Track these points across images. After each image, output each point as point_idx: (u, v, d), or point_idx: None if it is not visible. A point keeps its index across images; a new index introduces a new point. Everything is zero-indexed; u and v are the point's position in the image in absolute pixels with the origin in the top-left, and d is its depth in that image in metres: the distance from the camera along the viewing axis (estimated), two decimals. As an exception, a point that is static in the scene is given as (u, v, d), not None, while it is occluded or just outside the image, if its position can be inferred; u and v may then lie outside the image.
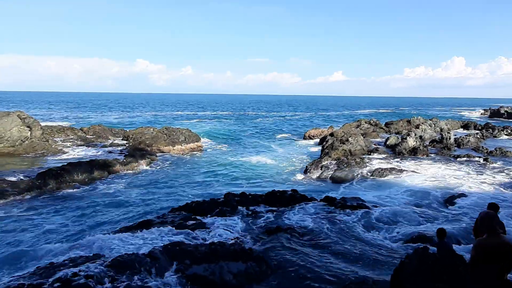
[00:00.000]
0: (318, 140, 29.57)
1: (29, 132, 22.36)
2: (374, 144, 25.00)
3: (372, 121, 34.71)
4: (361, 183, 15.43)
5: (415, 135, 23.06)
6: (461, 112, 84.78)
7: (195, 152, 24.26)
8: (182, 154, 23.97)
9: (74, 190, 14.55)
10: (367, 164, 18.23)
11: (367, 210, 10.83)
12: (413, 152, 20.73)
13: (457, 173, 16.70)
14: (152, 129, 28.01)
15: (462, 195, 13.07)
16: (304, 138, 32.10)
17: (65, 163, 17.62)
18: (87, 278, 6.05)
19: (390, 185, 14.83)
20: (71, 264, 6.61)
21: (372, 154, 20.93)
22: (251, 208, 11.23)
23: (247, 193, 12.39)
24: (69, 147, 24.48)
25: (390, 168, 17.04)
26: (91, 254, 7.06)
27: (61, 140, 26.50)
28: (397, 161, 19.19)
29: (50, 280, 5.95)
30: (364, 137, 25.40)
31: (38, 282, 5.92)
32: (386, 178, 15.76)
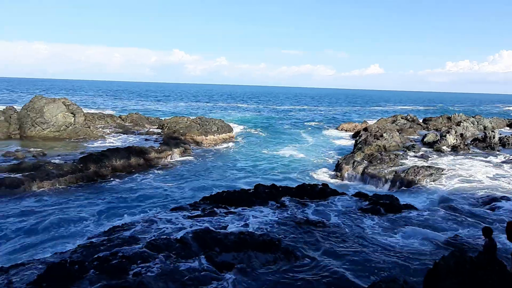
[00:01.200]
0: (351, 134, 28.96)
1: (73, 118, 23.62)
2: (411, 141, 24.11)
3: (409, 117, 33.40)
4: (394, 180, 14.97)
5: (455, 132, 21.96)
6: (508, 109, 79.47)
7: (227, 143, 24.56)
8: (214, 144, 24.36)
9: (112, 175, 15.26)
10: (402, 161, 17.63)
11: (398, 209, 10.53)
12: (453, 151, 19.79)
13: (501, 174, 15.76)
14: (186, 119, 28.65)
15: (506, 198, 12.34)
16: (337, 132, 31.57)
17: (105, 149, 18.51)
18: (122, 259, 6.38)
19: (425, 184, 14.28)
20: (109, 244, 6.99)
21: (407, 151, 20.21)
22: (281, 200, 11.27)
23: (277, 185, 12.43)
24: (108, 133, 25.62)
25: (427, 166, 16.40)
26: (127, 237, 7.42)
27: (101, 127, 27.78)
28: (435, 159, 18.40)
29: (90, 258, 6.34)
30: (400, 133, 24.56)
31: (79, 260, 6.33)
32: (421, 176, 15.16)
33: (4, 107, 26.19)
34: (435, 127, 30.98)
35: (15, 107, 26.35)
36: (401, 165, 16.90)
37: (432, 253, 7.49)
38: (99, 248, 6.86)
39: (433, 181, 14.71)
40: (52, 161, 15.71)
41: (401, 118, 32.69)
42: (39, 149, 18.14)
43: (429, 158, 18.51)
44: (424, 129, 30.76)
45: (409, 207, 10.94)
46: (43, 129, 22.49)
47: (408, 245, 8.02)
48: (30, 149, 18.27)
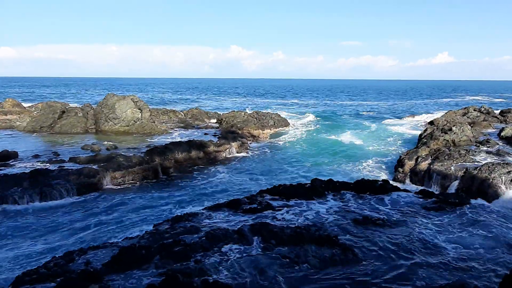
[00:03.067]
0: (415, 128, 27.25)
1: (140, 114, 25.38)
2: (484, 135, 21.98)
3: (483, 109, 30.40)
4: (464, 178, 13.79)
5: (539, 126, 19.55)
6: None
7: (283, 136, 24.57)
8: (271, 137, 24.52)
9: (174, 168, 16.14)
10: (474, 157, 16.17)
11: (470, 208, 9.70)
12: (536, 146, 17.64)
13: None
14: (243, 113, 29.22)
15: None
16: (400, 126, 29.89)
17: (168, 142, 19.63)
18: (185, 246, 6.77)
19: (501, 184, 12.93)
20: (172, 232, 7.46)
21: (481, 146, 18.44)
22: (338, 195, 11.02)
23: (335, 180, 12.17)
24: (171, 128, 27.11)
25: (504, 163, 14.85)
26: (189, 226, 7.83)
27: (164, 122, 29.48)
28: (513, 156, 16.58)
29: (156, 244, 6.82)
30: (472, 127, 22.52)
31: (146, 245, 6.85)
32: (497, 174, 13.75)
33: (83, 104, 29.01)
34: (514, 120, 27.84)
35: (91, 104, 29.03)
36: (472, 162, 15.51)
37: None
38: (163, 235, 7.34)
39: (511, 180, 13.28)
40: (122, 153, 17.08)
41: (474, 110, 29.91)
42: (111, 143, 19.81)
43: (508, 155, 16.73)
44: (501, 122, 27.82)
45: (482, 207, 10.03)
46: (114, 124, 24.50)
47: (485, 247, 7.39)
48: (104, 142, 20.04)
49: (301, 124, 30.60)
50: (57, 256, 6.69)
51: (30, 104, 41.16)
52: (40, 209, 10.90)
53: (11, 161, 15.31)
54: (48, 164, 14.98)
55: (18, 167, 14.47)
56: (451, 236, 8.09)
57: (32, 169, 13.70)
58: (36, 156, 16.47)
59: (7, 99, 38.67)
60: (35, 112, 28.90)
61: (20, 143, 19.81)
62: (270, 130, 26.19)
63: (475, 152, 16.90)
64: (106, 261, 6.20)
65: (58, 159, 16.15)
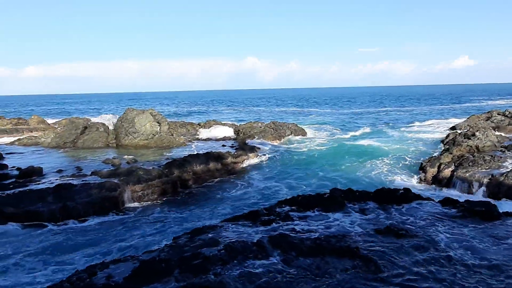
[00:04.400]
0: (437, 133, 26.59)
1: (159, 127, 25.83)
2: (510, 140, 21.23)
3: (507, 112, 29.37)
4: (490, 185, 13.29)
5: None
6: None
7: (301, 145, 24.44)
8: (289, 146, 24.43)
9: (194, 180, 16.28)
10: (500, 163, 15.60)
11: (497, 217, 9.30)
12: None
13: None
14: (260, 124, 29.32)
15: None
16: (421, 132, 29.24)
17: (186, 155, 19.85)
18: (204, 259, 6.76)
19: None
20: (191, 245, 7.47)
21: (507, 151, 17.79)
22: (358, 205, 10.81)
23: (354, 190, 11.95)
24: (189, 140, 27.45)
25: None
26: (208, 238, 7.83)
27: (182, 135, 29.89)
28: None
29: (175, 258, 6.84)
30: (496, 131, 21.80)
31: (166, 258, 6.88)
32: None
33: (108, 118, 29.81)
34: (542, 123, 26.78)
35: (112, 119, 29.79)
36: (498, 168, 14.97)
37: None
38: (182, 248, 7.36)
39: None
40: (142, 166, 17.37)
41: (498, 114, 28.98)
42: (131, 156, 20.21)
43: (535, 159, 16.06)
44: (527, 126, 26.80)
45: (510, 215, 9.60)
46: (134, 138, 25.02)
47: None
48: (124, 156, 20.46)
49: (318, 133, 30.40)
50: (79, 270, 6.81)
51: (54, 121, 42.67)
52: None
53: (36, 177, 15.83)
54: (71, 179, 15.40)
55: (42, 183, 14.94)
56: (477, 246, 7.76)
57: (56, 183, 14.11)
58: (59, 171, 16.97)
59: (32, 116, 40.24)
60: (59, 128, 29.91)
61: (44, 159, 20.48)
62: (288, 138, 26.14)
63: (501, 157, 16.32)
64: (127, 275, 6.26)
65: (81, 173, 16.58)
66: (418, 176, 16.07)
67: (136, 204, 13.38)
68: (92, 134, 25.42)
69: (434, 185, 15.27)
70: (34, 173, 16.05)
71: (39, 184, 14.68)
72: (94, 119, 33.53)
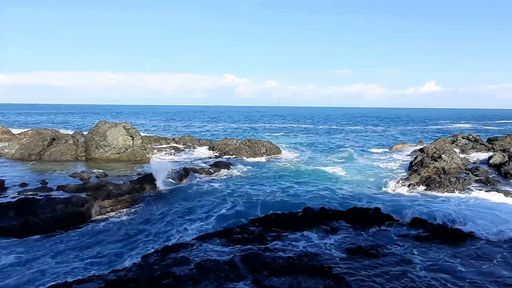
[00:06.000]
0: (404, 156, 27.55)
1: (132, 141, 25.27)
2: (474, 163, 22.31)
3: (471, 136, 31.01)
4: (459, 206, 13.82)
5: (526, 153, 19.94)
6: None
7: (276, 164, 24.60)
8: (263, 165, 24.50)
9: (164, 192, 15.93)
10: (465, 184, 16.30)
11: (462, 238, 9.67)
12: (524, 174, 17.89)
13: None
14: (235, 140, 29.31)
15: None
16: (390, 152, 30.21)
17: (159, 170, 19.44)
18: (174, 279, 6.57)
19: (498, 214, 12.85)
20: (161, 264, 7.25)
21: (470, 174, 18.67)
22: (331, 224, 10.94)
23: (327, 208, 12.11)
24: (163, 155, 26.97)
25: (494, 190, 15.00)
26: (178, 257, 7.64)
27: (157, 149, 29.36)
28: (503, 185, 16.76)
29: (144, 277, 6.60)
30: (460, 154, 22.88)
31: (134, 278, 6.61)
32: (491, 203, 13.69)
33: (73, 132, 28.85)
34: (502, 148, 28.41)
35: (82, 131, 28.91)
36: (462, 190, 15.63)
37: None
38: (152, 267, 7.13)
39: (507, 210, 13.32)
40: (112, 181, 16.83)
41: (462, 137, 30.49)
42: (101, 170, 19.55)
43: (497, 183, 16.91)
44: (489, 150, 28.33)
45: (472, 236, 10.01)
46: (105, 151, 24.30)
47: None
48: (94, 170, 19.77)
49: (293, 152, 30.74)
50: (40, 290, 6.42)
51: (20, 131, 40.81)
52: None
53: (-3, 189, 14.94)
54: (35, 193, 14.65)
55: (3, 196, 14.12)
56: (439, 265, 8.00)
57: (18, 198, 13.38)
58: (23, 185, 16.13)
59: (-4, 126, 38.34)
60: (24, 140, 28.60)
61: (7, 171, 19.44)
62: (263, 157, 26.22)
63: (465, 179, 17.07)
64: (91, 296, 5.97)
65: (46, 187, 15.83)
66: (387, 192, 16.48)
67: (104, 219, 12.86)
68: (61, 146, 24.48)
69: (402, 202, 15.70)
70: (-6, 186, 15.16)
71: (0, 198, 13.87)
72: (62, 131, 32.40)
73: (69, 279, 6.98)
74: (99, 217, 13.01)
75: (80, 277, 6.83)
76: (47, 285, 6.59)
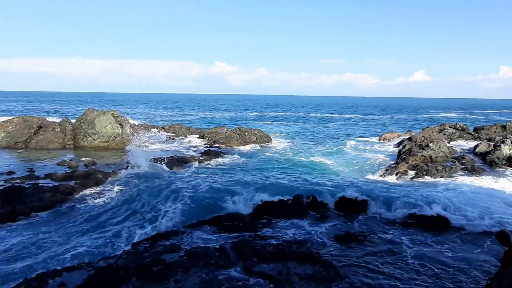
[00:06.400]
0: (393, 144, 27.90)
1: (120, 129, 24.97)
2: (460, 151, 22.72)
3: (458, 126, 31.51)
4: (444, 193, 14.08)
5: (511, 142, 20.37)
6: None
7: (266, 152, 24.66)
8: (253, 153, 24.54)
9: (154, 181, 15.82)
10: (451, 172, 16.63)
11: (448, 227, 9.91)
12: (510, 163, 18.31)
13: None
14: (225, 129, 29.22)
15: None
16: (379, 141, 30.54)
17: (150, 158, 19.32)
18: (164, 266, 6.59)
19: (482, 200, 13.10)
20: (151, 251, 7.26)
21: (457, 162, 19.02)
22: (320, 212, 11.07)
23: (317, 197, 12.23)
24: (153, 143, 26.75)
25: (478, 178, 15.34)
26: (169, 244, 7.66)
27: (146, 137, 29.09)
28: (489, 173, 17.10)
29: (134, 264, 6.61)
30: (448, 143, 23.26)
31: (124, 265, 6.62)
32: (475, 190, 13.98)
33: (61, 119, 28.33)
34: (488, 137, 28.98)
35: (70, 119, 28.41)
36: (449, 177, 15.94)
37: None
38: (142, 254, 7.14)
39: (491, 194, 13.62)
40: (101, 169, 16.66)
41: (449, 127, 30.94)
42: (90, 159, 19.33)
43: (482, 171, 17.26)
44: (475, 139, 28.87)
45: (455, 223, 10.26)
46: (94, 139, 23.99)
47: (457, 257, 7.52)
48: (82, 159, 19.53)
49: (282, 140, 30.83)
50: (28, 278, 6.38)
51: (5, 119, 39.90)
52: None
53: (-18, 178, 14.68)
54: (22, 181, 14.42)
55: (-10, 184, 13.88)
56: (428, 253, 8.20)
57: (5, 186, 13.17)
58: (10, 173, 15.87)
59: (-19, 114, 37.42)
60: (10, 127, 28.02)
61: (-7, 159, 19.07)
62: (253, 145, 26.24)
63: (452, 167, 17.40)
64: (81, 283, 5.96)
65: (34, 175, 15.61)
66: (375, 180, 16.72)
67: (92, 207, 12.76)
68: (47, 134, 24.06)
69: (389, 191, 15.97)
70: (-20, 174, 14.89)
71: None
72: (50, 119, 31.80)
73: (59, 268, 6.95)
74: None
75: (69, 265, 6.81)
76: (36, 273, 6.55)
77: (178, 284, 6.02)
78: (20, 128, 24.35)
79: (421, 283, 6.57)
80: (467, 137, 29.14)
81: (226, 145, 25.93)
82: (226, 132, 28.23)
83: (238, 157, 22.04)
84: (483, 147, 21.52)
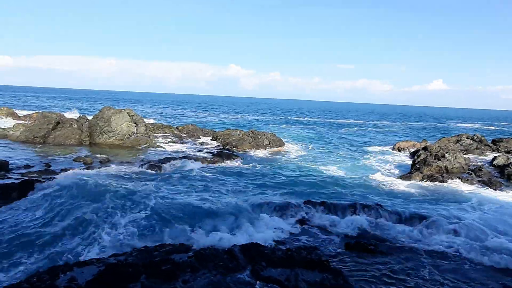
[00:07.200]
0: (408, 153, 27.48)
1: (135, 128, 25.33)
2: (477, 163, 22.21)
3: (475, 137, 30.81)
4: (456, 206, 13.80)
5: (531, 156, 19.81)
6: None
7: (278, 157, 24.62)
8: (265, 157, 24.54)
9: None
10: (464, 186, 16.27)
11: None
12: (527, 176, 17.79)
13: None
14: (239, 131, 29.30)
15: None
16: (393, 150, 30.12)
17: (162, 158, 19.54)
18: (173, 265, 6.64)
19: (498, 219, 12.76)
20: (161, 250, 7.33)
21: (473, 174, 18.60)
22: (331, 217, 10.97)
23: (328, 202, 12.14)
24: (166, 143, 27.05)
25: (497, 193, 14.96)
26: (178, 244, 7.71)
27: (160, 136, 29.44)
28: (507, 187, 16.67)
29: (143, 263, 6.68)
30: (464, 154, 22.77)
31: (134, 263, 6.70)
32: (492, 207, 13.60)
33: (78, 116, 28.93)
34: (506, 149, 28.26)
35: (87, 116, 28.99)
36: (463, 191, 15.59)
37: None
38: (152, 253, 7.21)
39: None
40: (115, 166, 16.92)
41: (466, 138, 30.30)
42: (104, 156, 19.65)
43: (500, 184, 16.82)
44: (493, 151, 28.19)
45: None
46: (109, 137, 24.39)
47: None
48: (97, 155, 19.88)
49: (295, 145, 30.72)
50: (40, 270, 6.51)
51: (25, 113, 41.01)
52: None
53: (1, 171, 15.08)
54: (39, 175, 14.75)
55: (7, 178, 14.25)
56: (445, 265, 8.03)
57: (22, 179, 13.50)
58: (27, 167, 16.26)
59: (1, 108, 38.55)
60: (29, 122, 28.75)
61: (11, 153, 19.58)
62: (265, 149, 26.21)
63: (467, 179, 17.03)
64: (91, 278, 6.05)
65: (50, 170, 15.95)
66: (388, 190, 16.46)
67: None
68: (65, 130, 24.57)
69: (402, 201, 15.72)
70: (-1, 167, 15.30)
71: (3, 179, 14.00)
72: (67, 115, 32.50)
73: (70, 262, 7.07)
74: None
75: (81, 260, 6.92)
76: (47, 268, 6.68)
77: (187, 284, 6.05)
78: (39, 123, 24.95)
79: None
80: (485, 148, 28.46)
81: (238, 147, 25.99)
82: (239, 135, 28.30)
83: (250, 159, 22.08)
84: (501, 159, 21.00)
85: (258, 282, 6.48)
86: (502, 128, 73.08)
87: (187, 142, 28.32)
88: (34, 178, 13.71)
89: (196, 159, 20.17)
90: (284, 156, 24.62)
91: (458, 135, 31.84)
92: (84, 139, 24.59)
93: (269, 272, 6.77)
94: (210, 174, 17.07)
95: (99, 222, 9.25)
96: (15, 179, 13.94)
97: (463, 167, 19.51)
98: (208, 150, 24.88)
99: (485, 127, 75.04)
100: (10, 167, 15.83)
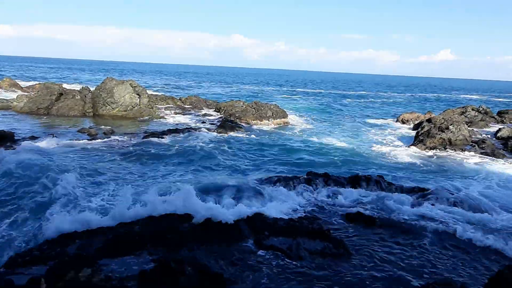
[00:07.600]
0: (412, 125, 27.33)
1: (138, 99, 25.25)
2: (481, 135, 22.10)
3: (481, 108, 30.43)
4: (458, 178, 13.88)
5: (536, 128, 19.64)
6: None
7: (280, 128, 24.62)
8: (268, 128, 24.56)
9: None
10: (466, 158, 16.29)
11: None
12: (531, 148, 17.74)
13: None
14: (242, 103, 29.13)
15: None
16: (397, 122, 29.95)
17: (165, 129, 19.61)
18: (178, 234, 6.84)
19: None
20: (167, 219, 7.53)
21: (476, 146, 18.56)
22: (332, 189, 11.11)
23: (330, 174, 12.25)
24: (168, 114, 27.03)
25: (499, 165, 14.99)
26: (183, 213, 7.89)
27: (163, 108, 29.37)
28: (508, 159, 16.66)
29: (150, 231, 6.88)
30: (469, 126, 22.61)
31: (140, 231, 6.90)
32: (495, 179, 13.54)
33: (81, 87, 28.78)
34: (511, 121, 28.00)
35: (89, 87, 28.84)
36: (465, 162, 15.64)
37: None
38: (158, 222, 7.41)
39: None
40: (119, 138, 17.06)
41: (472, 109, 29.96)
42: (108, 127, 19.74)
43: (503, 157, 16.81)
44: (498, 122, 27.98)
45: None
46: (112, 108, 24.39)
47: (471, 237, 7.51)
48: (101, 126, 19.97)
49: (299, 117, 30.59)
50: (50, 239, 6.75)
51: (28, 84, 40.84)
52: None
53: (7, 142, 15.25)
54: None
55: (13, 149, 14.42)
56: (447, 233, 8.19)
57: (28, 150, 13.68)
58: (32, 138, 16.41)
59: (4, 79, 38.34)
60: (32, 93, 28.69)
61: (16, 124, 19.71)
62: (268, 120, 26.16)
63: (470, 151, 17.03)
64: (100, 246, 6.27)
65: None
66: (391, 161, 16.55)
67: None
68: (68, 102, 24.55)
69: (404, 173, 15.84)
70: (5, 138, 15.46)
71: (9, 150, 14.19)
72: (69, 86, 32.33)
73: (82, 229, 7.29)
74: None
75: (90, 227, 7.14)
76: (57, 236, 6.90)
77: (191, 253, 6.25)
78: (42, 94, 24.89)
79: (440, 266, 6.59)
80: (490, 120, 28.23)
81: (242, 119, 25.94)
82: (242, 106, 28.16)
83: (253, 131, 22.11)
84: (505, 131, 20.87)
85: (260, 250, 6.69)
86: (510, 100, 72.00)
87: (190, 114, 28.28)
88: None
89: (200, 130, 20.23)
90: (287, 128, 24.61)
91: (463, 107, 31.47)
92: (87, 110, 24.61)
93: (271, 241, 6.97)
94: (213, 145, 17.15)
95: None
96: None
97: (466, 139, 19.44)
98: (211, 122, 24.87)
99: (492, 99, 73.95)
100: (15, 138, 15.99)
